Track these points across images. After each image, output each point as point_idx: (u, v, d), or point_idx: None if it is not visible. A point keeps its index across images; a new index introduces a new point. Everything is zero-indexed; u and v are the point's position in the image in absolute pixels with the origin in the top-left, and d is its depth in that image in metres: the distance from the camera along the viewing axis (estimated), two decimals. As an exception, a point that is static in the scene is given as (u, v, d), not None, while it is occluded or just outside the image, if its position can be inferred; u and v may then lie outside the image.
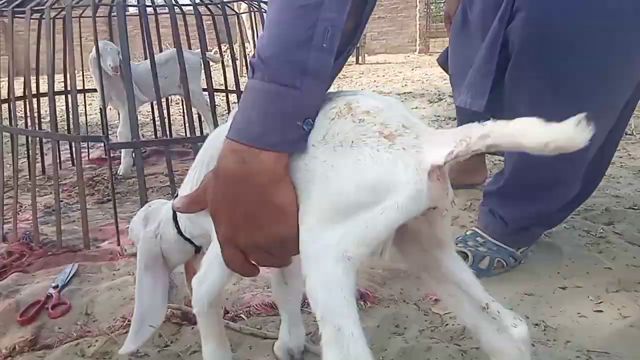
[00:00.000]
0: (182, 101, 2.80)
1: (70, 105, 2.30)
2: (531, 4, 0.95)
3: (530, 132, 0.46)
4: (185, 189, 0.79)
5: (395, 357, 0.89)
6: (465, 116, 1.71)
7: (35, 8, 1.40)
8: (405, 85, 5.39)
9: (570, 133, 0.44)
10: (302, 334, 0.90)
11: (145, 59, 2.44)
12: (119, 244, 1.43)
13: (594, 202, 1.61)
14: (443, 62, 1.63)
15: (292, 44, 0.55)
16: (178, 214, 0.83)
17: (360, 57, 8.64)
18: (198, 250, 0.88)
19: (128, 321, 1.01)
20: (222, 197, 0.60)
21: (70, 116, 2.27)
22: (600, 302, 1.04)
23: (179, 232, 0.85)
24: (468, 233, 1.26)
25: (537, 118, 0.46)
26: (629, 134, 2.47)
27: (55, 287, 1.15)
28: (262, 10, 1.85)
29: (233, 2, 1.80)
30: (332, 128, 0.56)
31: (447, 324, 1.00)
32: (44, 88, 2.18)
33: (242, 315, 1.05)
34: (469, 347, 0.90)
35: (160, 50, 2.56)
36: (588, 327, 0.96)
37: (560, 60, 0.96)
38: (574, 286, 1.12)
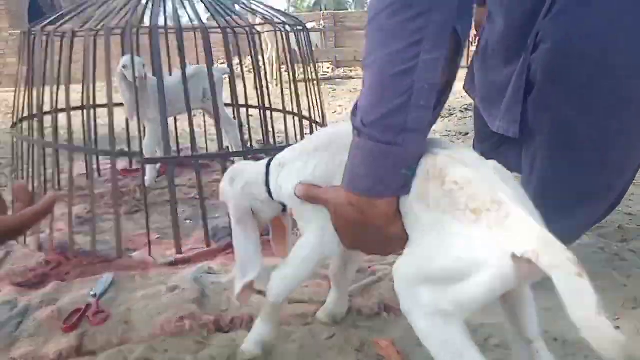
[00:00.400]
0: (203, 116, 2.87)
1: (96, 120, 2.39)
2: (555, 36, 1.00)
3: (594, 323, 0.49)
4: (295, 172, 0.85)
5: (422, 367, 0.94)
6: (483, 134, 1.76)
7: (77, 30, 1.48)
8: (417, 99, 5.45)
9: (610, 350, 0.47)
10: (345, 305, 1.10)
11: (169, 75, 2.53)
12: (150, 254, 1.49)
13: (607, 220, 1.64)
14: (469, 89, 1.67)
15: (392, 109, 0.62)
16: (270, 177, 0.90)
17: (370, 70, 8.75)
18: (285, 209, 0.95)
19: (165, 331, 1.08)
20: (344, 231, 0.74)
21: (92, 130, 2.35)
22: (617, 319, 1.08)
23: (270, 195, 0.91)
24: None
25: (608, 320, 0.48)
26: None
27: (94, 295, 1.22)
28: (286, 30, 1.92)
29: (259, 25, 1.88)
30: (426, 187, 0.63)
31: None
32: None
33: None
34: (491, 358, 0.95)
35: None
36: (605, 342, 1.00)
37: (583, 87, 1.01)
38: (590, 302, 1.16)
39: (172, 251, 1.52)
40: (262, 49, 3.71)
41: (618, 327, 1.05)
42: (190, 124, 1.58)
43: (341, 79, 8.57)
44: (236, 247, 0.94)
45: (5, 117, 5.19)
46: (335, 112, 4.74)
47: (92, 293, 1.23)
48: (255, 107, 2.33)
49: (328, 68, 10.17)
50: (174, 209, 1.51)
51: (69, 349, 1.02)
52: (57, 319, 1.14)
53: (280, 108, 2.26)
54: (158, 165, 2.33)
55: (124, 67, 2.13)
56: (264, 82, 1.96)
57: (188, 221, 1.86)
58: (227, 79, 2.04)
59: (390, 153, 0.63)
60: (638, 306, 1.12)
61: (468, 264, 0.56)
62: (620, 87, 1.01)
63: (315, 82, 2.07)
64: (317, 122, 2.11)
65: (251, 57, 1.87)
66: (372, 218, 0.68)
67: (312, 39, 10.18)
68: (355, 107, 0.67)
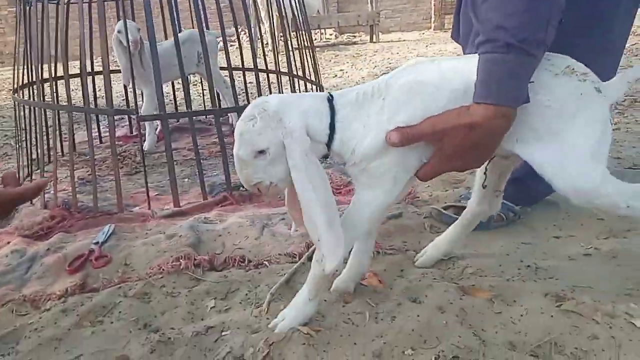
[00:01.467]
0: (201, 83, 2.91)
1: (95, 84, 2.43)
2: None
3: None
4: (391, 120, 0.82)
5: (399, 293, 1.00)
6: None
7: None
8: (419, 61, 5.40)
9: None
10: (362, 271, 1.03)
11: (165, 39, 2.56)
12: (149, 208, 1.56)
13: (596, 164, 1.68)
14: (456, 37, 1.69)
15: (539, 27, 0.76)
16: (337, 128, 0.83)
17: (374, 36, 8.62)
18: (327, 156, 0.87)
19: (162, 269, 1.15)
20: (465, 150, 0.83)
21: (97, 95, 2.41)
22: (590, 247, 1.13)
23: (329, 142, 0.84)
24: (470, 191, 1.35)
25: None
26: (638, 102, 2.50)
27: (96, 243, 1.29)
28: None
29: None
30: (559, 81, 0.81)
31: (449, 268, 1.11)
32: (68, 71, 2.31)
33: (265, 263, 1.17)
34: (467, 284, 1.01)
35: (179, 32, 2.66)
36: (577, 268, 1.06)
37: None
38: (567, 235, 1.21)
39: (171, 206, 1.59)
40: (258, 21, 3.70)
41: (590, 254, 1.11)
42: (184, 82, 1.63)
43: (344, 44, 8.48)
44: (312, 195, 0.77)
45: (9, 94, 5.27)
46: (336, 75, 4.73)
47: (94, 241, 1.30)
48: (250, 70, 2.35)
49: (331, 34, 10.03)
50: (170, 165, 1.56)
51: (73, 287, 1.11)
52: (63, 263, 1.22)
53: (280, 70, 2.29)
54: (157, 130, 2.38)
55: (119, 32, 2.16)
56: (259, 47, 1.98)
57: (186, 179, 1.92)
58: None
59: (533, 64, 0.78)
60: (611, 236, 1.17)
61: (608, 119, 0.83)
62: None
63: (309, 45, 2.10)
64: (311, 80, 2.14)
65: (245, 18, 1.88)
66: (509, 126, 0.80)
67: (314, 4, 9.83)
68: (497, 28, 0.77)
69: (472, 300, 0.95)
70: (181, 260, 1.16)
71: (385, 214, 0.88)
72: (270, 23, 2.54)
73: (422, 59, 0.88)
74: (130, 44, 2.10)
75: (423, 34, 10.17)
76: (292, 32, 2.16)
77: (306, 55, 2.08)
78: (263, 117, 0.80)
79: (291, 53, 2.05)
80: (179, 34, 2.54)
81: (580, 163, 0.81)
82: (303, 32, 2.08)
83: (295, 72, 2.14)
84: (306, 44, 2.06)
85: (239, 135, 0.81)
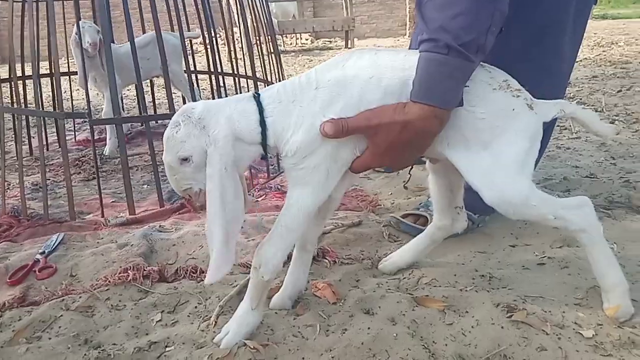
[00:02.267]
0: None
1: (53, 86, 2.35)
2: None
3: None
4: (323, 111, 0.80)
5: (353, 304, 0.98)
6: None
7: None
8: (391, 68, 5.43)
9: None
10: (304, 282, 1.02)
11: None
12: (102, 216, 1.50)
13: (555, 173, 1.70)
14: None
15: (481, 32, 0.75)
16: (268, 124, 0.81)
17: (349, 41, 8.66)
18: (265, 155, 0.85)
19: (108, 281, 1.10)
20: (396, 148, 0.82)
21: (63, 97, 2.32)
22: (544, 256, 1.14)
23: (263, 141, 0.82)
24: (429, 199, 1.35)
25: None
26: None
27: (42, 253, 1.23)
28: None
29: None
30: (495, 95, 0.82)
31: (405, 278, 1.09)
32: (28, 72, 2.23)
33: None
34: (420, 295, 0.99)
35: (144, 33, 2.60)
36: (530, 277, 1.06)
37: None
38: (523, 244, 1.22)
39: (126, 213, 1.54)
40: (225, 24, 3.66)
41: (544, 263, 1.11)
42: (140, 86, 1.58)
43: (320, 50, 8.49)
44: (222, 204, 0.76)
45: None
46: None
47: (40, 251, 1.24)
48: (212, 73, 2.31)
49: (307, 39, 10.03)
50: (125, 171, 1.51)
51: (12, 300, 1.05)
52: (4, 274, 1.16)
53: (244, 74, 2.26)
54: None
55: (76, 33, 2.09)
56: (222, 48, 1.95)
57: (146, 186, 1.87)
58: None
59: (470, 69, 0.78)
60: (565, 245, 1.18)
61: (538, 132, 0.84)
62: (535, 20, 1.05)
63: (272, 48, 2.08)
64: (272, 83, 2.11)
65: (206, 21, 1.84)
66: (443, 125, 0.80)
67: (289, 9, 9.77)
68: (439, 29, 0.76)
69: (424, 311, 0.93)
70: (129, 272, 1.12)
71: (316, 211, 0.85)
72: (240, 28, 2.51)
73: (361, 49, 0.86)
74: (89, 45, 2.03)
75: (398, 40, 10.27)
76: (258, 37, 2.14)
77: (271, 59, 2.06)
78: (187, 124, 0.79)
79: (262, 57, 2.02)
80: (143, 36, 2.50)
81: (507, 175, 0.82)
82: (268, 37, 2.06)
83: (254, 73, 2.11)
84: (271, 49, 2.04)
85: (165, 141, 0.81)
